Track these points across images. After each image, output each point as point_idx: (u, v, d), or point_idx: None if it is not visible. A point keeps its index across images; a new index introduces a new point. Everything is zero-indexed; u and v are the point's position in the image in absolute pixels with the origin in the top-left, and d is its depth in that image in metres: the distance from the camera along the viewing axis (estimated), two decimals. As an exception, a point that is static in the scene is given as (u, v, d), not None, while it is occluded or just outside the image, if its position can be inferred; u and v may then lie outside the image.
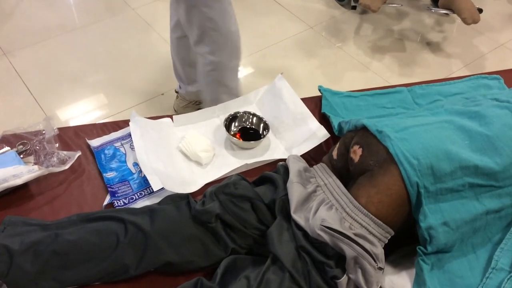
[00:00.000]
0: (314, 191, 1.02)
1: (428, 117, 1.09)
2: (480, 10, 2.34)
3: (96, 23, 2.60)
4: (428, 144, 0.95)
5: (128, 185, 1.17)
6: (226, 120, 1.32)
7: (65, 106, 2.15)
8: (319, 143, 1.27)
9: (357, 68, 2.46)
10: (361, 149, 1.02)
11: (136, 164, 1.22)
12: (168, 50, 2.43)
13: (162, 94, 2.22)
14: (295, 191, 0.99)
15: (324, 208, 0.95)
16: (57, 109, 2.12)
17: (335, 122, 1.29)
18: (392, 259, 1.01)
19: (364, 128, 1.05)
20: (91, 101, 2.19)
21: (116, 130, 1.31)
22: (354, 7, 2.82)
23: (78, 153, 1.19)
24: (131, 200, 1.14)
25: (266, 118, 1.35)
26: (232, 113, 1.34)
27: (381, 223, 0.93)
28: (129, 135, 1.28)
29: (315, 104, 1.42)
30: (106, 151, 1.24)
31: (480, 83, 1.46)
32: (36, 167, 1.12)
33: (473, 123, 1.02)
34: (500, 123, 1.01)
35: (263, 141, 1.31)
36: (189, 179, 1.20)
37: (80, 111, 2.13)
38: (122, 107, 2.14)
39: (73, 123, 2.07)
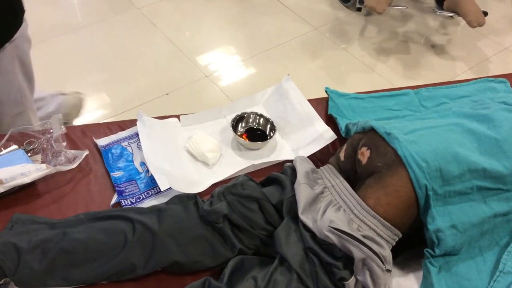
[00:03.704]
0: (322, 192, 1.02)
1: (436, 120, 1.09)
2: (485, 13, 2.34)
3: (100, 22, 2.61)
4: (437, 146, 0.95)
5: (135, 185, 1.17)
6: (233, 120, 1.32)
7: (70, 105, 2.15)
8: (325, 144, 1.27)
9: (362, 70, 2.46)
10: (369, 151, 1.02)
11: (143, 164, 1.22)
12: (172, 50, 2.44)
13: (167, 94, 2.22)
14: (302, 192, 1.00)
15: (332, 209, 0.96)
16: (62, 108, 2.12)
17: (341, 124, 1.29)
18: (399, 261, 1.01)
19: (372, 130, 1.05)
20: (95, 101, 2.19)
21: (123, 130, 1.31)
22: (359, 9, 2.83)
23: (86, 152, 1.20)
24: (138, 200, 1.14)
25: (272, 118, 1.35)
26: (239, 113, 1.35)
27: (389, 225, 0.93)
28: (136, 134, 1.28)
29: (321, 106, 1.42)
30: (113, 151, 1.24)
31: (486, 86, 1.46)
32: (43, 165, 1.12)
33: (481, 126, 1.02)
34: (509, 127, 1.01)
35: (270, 142, 1.32)
36: (196, 179, 1.20)
37: (84, 110, 2.13)
38: (126, 107, 2.14)
39: (77, 122, 2.07)
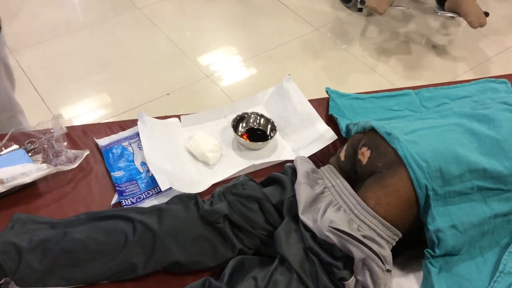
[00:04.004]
0: (322, 192, 1.02)
1: (437, 120, 1.09)
2: (487, 14, 2.33)
3: (102, 22, 2.61)
4: (437, 146, 0.95)
5: (136, 185, 1.17)
6: (233, 120, 1.32)
7: (70, 105, 2.15)
8: (326, 144, 1.27)
9: (363, 70, 2.46)
10: (369, 151, 1.02)
11: (143, 164, 1.22)
12: (173, 50, 2.45)
13: (168, 94, 2.22)
14: (303, 192, 1.00)
15: (332, 209, 0.96)
16: (62, 108, 2.13)
17: (342, 124, 1.29)
18: (400, 262, 1.01)
19: (372, 130, 1.05)
20: (96, 100, 2.19)
21: (124, 130, 1.31)
22: (360, 9, 2.83)
23: (87, 152, 1.20)
24: (138, 200, 1.14)
25: (273, 119, 1.35)
26: (240, 113, 1.35)
27: (389, 225, 0.93)
28: (137, 134, 1.28)
29: (322, 106, 1.43)
30: (114, 150, 1.25)
31: (487, 87, 1.46)
32: (44, 165, 1.12)
33: (482, 126, 1.02)
34: (509, 127, 1.01)
35: (271, 142, 1.32)
36: (197, 179, 1.20)
37: (85, 110, 2.14)
38: (127, 107, 2.14)
39: (77, 122, 2.08)
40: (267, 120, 1.35)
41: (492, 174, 0.96)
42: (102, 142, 1.27)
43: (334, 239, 0.90)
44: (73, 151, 1.20)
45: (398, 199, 0.93)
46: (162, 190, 1.13)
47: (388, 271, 0.91)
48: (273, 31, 2.67)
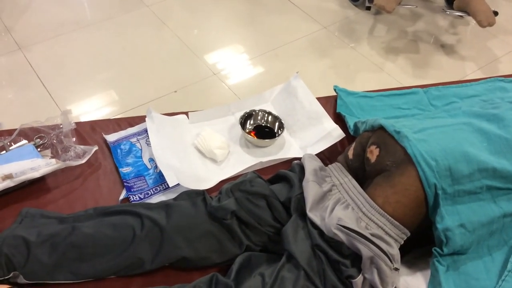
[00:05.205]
0: (330, 190, 1.02)
1: (446, 119, 1.08)
2: (496, 13, 2.32)
3: (109, 19, 2.61)
4: (447, 145, 0.95)
5: (144, 181, 1.18)
6: (241, 118, 1.32)
7: (78, 102, 2.16)
8: (334, 142, 1.27)
9: (370, 69, 2.45)
10: (378, 149, 1.02)
11: (151, 160, 1.23)
12: (181, 48, 2.45)
13: (175, 91, 2.22)
14: (311, 189, 0.99)
15: (340, 207, 0.95)
16: (71, 104, 2.13)
17: (350, 122, 1.29)
18: (407, 260, 1.01)
19: (381, 128, 1.05)
20: (103, 97, 2.19)
21: (132, 126, 1.32)
22: (368, 8, 2.81)
23: (95, 148, 1.21)
24: (146, 195, 1.15)
25: (281, 116, 1.35)
26: (248, 111, 1.35)
27: (398, 223, 0.93)
28: (145, 131, 1.28)
29: (330, 104, 1.42)
30: (122, 146, 1.25)
31: (496, 86, 1.46)
32: (53, 160, 1.13)
33: (491, 126, 1.02)
34: (519, 126, 1.01)
35: (278, 140, 1.32)
36: (204, 176, 1.20)
37: (93, 107, 2.14)
38: (135, 104, 2.15)
39: (85, 118, 2.08)
40: (275, 118, 1.35)
41: (502, 174, 0.95)
42: (111, 138, 1.27)
43: (342, 237, 0.90)
44: (82, 146, 1.21)
45: (407, 197, 0.93)
46: (170, 186, 1.13)
47: (396, 269, 0.91)
48: (280, 29, 2.66)
